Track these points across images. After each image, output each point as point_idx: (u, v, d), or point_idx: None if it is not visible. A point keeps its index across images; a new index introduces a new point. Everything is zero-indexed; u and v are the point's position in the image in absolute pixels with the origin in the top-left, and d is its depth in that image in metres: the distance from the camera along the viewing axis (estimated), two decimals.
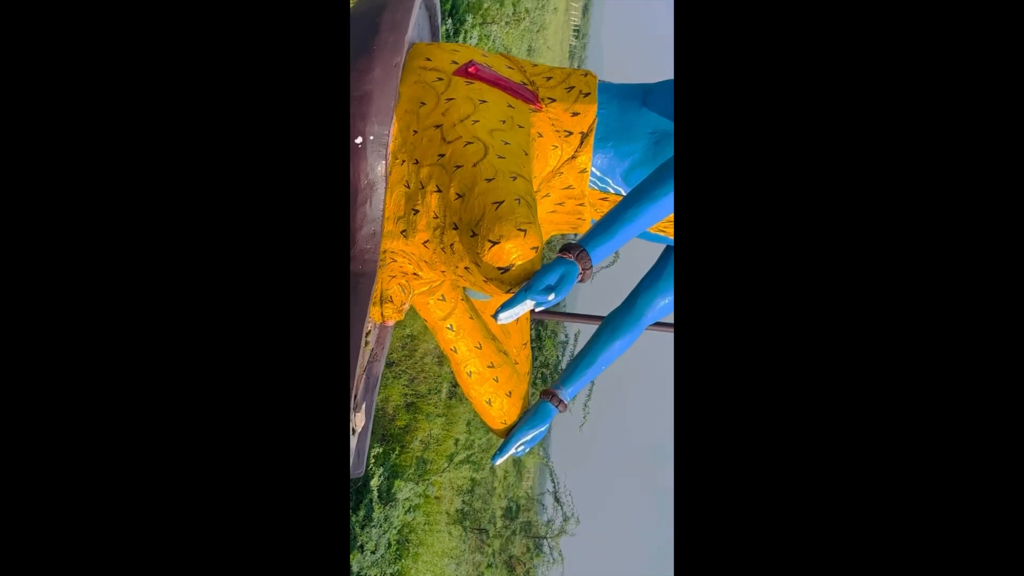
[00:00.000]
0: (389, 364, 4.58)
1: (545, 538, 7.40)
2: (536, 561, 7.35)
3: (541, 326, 7.31)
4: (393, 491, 4.06)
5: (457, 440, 5.09)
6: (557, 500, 7.31)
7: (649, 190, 1.39)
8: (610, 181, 1.63)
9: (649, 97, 1.61)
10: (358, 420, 1.69)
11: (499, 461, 1.73)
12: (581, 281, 1.35)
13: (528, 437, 1.72)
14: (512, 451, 1.73)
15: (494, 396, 1.71)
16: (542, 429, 1.73)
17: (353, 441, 1.70)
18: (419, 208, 1.45)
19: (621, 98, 1.62)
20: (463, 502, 6.16)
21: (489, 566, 6.57)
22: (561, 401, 1.74)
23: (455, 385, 5.10)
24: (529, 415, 1.73)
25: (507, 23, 6.58)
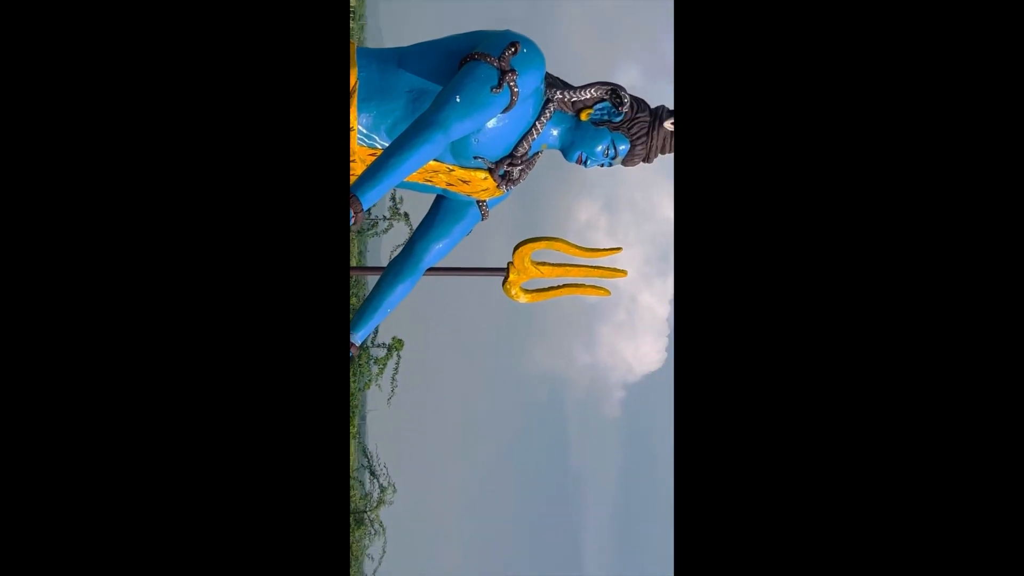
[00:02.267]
0: None
1: (365, 512, 7.49)
2: (359, 534, 7.42)
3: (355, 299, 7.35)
4: None
5: None
6: (372, 473, 7.41)
7: (408, 140, 1.57)
8: (376, 138, 1.79)
9: (404, 59, 1.78)
10: None
11: None
12: (354, 224, 1.50)
13: None
14: None
15: None
16: None
17: None
18: None
19: (379, 61, 1.79)
20: None
21: None
22: (352, 344, 1.90)
23: None
24: None
25: None
